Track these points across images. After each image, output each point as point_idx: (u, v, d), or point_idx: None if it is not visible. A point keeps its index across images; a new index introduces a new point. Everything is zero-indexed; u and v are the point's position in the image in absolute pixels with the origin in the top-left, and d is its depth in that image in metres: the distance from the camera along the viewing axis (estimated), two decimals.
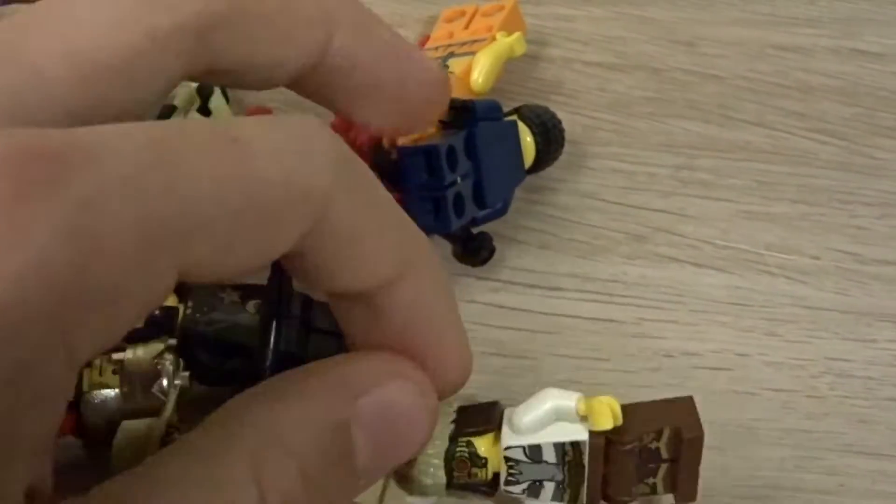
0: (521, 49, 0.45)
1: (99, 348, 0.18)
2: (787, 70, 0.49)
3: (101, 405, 0.36)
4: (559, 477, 0.29)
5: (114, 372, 0.36)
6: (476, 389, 0.38)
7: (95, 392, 0.36)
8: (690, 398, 0.29)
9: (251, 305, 0.37)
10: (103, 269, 0.17)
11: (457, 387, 0.25)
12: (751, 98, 0.48)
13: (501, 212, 0.42)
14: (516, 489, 0.29)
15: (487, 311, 0.40)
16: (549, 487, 0.29)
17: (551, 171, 0.44)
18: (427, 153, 0.38)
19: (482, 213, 0.41)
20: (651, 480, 0.29)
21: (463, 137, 0.39)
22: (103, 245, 0.17)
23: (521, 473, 0.29)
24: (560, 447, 0.28)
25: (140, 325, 0.25)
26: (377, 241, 0.22)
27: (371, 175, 0.22)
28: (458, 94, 0.43)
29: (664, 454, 0.29)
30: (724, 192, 0.44)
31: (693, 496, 0.29)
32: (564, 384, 0.39)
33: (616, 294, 0.41)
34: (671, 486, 0.29)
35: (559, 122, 0.44)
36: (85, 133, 0.17)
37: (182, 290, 0.39)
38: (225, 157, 0.18)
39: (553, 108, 0.46)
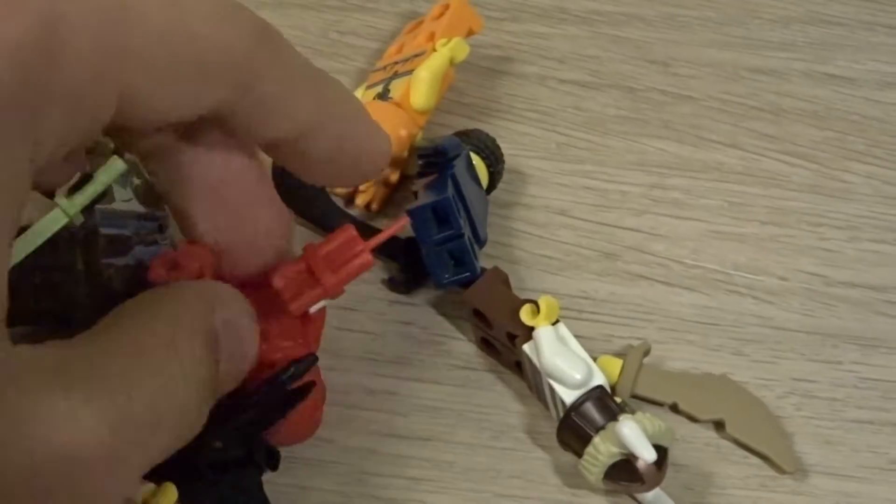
0: (461, 54, 0.43)
1: (54, 148, 0.22)
2: (759, 92, 0.49)
3: None
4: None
5: None
6: (444, 401, 0.38)
7: None
8: None
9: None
10: (66, 67, 0.21)
11: (376, 166, 0.30)
12: (724, 119, 0.48)
13: (483, 243, 0.41)
14: None
15: (457, 326, 0.40)
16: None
17: (523, 187, 0.45)
18: (436, 208, 0.37)
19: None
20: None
21: (449, 181, 0.38)
22: (68, 47, 0.21)
23: None
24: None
25: (88, 143, 0.27)
26: (297, 97, 0.26)
27: (287, 42, 0.26)
28: (401, 120, 0.42)
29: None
30: (696, 211, 0.45)
31: None
32: (530, 399, 0.39)
33: (585, 311, 0.41)
34: None
35: (497, 143, 0.43)
36: None
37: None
38: (168, 11, 0.23)
39: (528, 124, 0.46)
